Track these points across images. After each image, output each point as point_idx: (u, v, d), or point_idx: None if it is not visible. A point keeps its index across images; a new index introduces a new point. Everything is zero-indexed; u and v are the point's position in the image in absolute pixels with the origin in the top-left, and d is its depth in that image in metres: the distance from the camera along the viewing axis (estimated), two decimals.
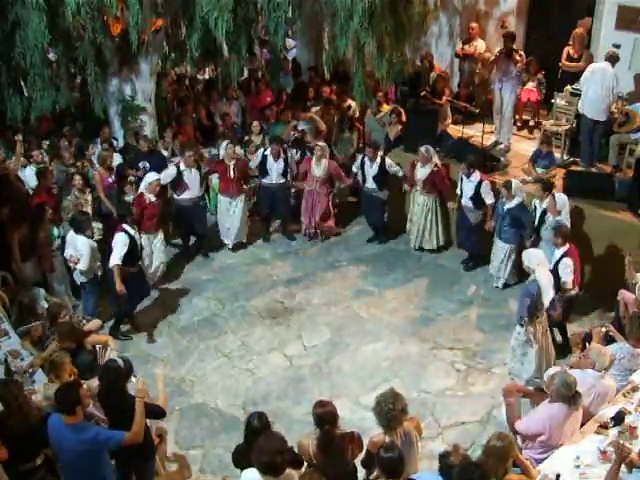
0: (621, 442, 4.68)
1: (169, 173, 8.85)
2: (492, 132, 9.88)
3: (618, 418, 5.13)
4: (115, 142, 9.81)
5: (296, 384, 7.12)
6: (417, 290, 8.71)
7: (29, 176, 8.60)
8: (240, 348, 7.64)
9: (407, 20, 9.26)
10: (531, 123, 10.38)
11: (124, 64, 9.53)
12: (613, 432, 5.03)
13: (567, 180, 8.59)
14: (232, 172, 9.05)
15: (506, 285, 8.56)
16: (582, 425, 5.19)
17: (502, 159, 9.40)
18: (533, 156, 8.95)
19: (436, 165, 8.89)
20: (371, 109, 10.46)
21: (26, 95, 8.89)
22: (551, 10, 10.65)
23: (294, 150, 9.95)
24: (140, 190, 8.30)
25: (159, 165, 8.99)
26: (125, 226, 7.44)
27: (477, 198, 8.48)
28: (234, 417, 6.64)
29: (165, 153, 9.81)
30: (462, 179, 8.62)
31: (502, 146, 9.71)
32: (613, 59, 8.57)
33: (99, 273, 7.81)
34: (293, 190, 9.88)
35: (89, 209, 8.37)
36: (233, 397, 6.96)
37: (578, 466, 4.78)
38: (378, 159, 9.16)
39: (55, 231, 7.87)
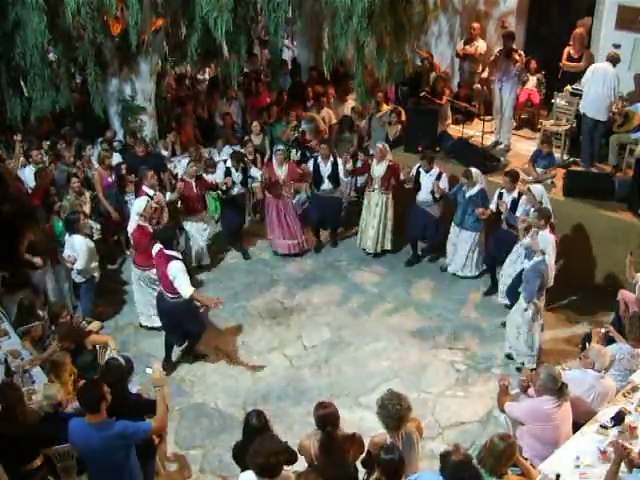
0: (620, 442, 4.69)
1: (139, 204, 7.95)
2: (492, 132, 9.89)
3: (618, 418, 5.13)
4: (117, 143, 9.81)
5: (296, 384, 7.12)
6: (417, 290, 8.71)
7: (28, 176, 8.60)
8: (240, 348, 7.64)
9: (407, 20, 9.26)
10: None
11: (124, 64, 9.54)
12: (613, 432, 5.03)
13: (567, 180, 8.60)
14: (195, 189, 8.64)
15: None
16: (582, 425, 5.19)
17: (502, 159, 9.40)
18: (533, 156, 8.96)
19: (390, 160, 8.94)
20: (371, 109, 10.47)
21: (26, 95, 8.90)
22: (551, 10, 10.67)
23: (294, 150, 9.96)
24: (135, 222, 7.59)
25: (157, 167, 8.87)
26: (174, 252, 6.84)
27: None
28: (234, 417, 6.63)
29: (165, 153, 9.82)
30: (420, 174, 8.66)
31: (502, 146, 9.71)
32: (614, 60, 8.59)
33: (96, 274, 7.79)
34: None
35: (87, 209, 8.37)
36: (233, 397, 6.95)
37: (578, 466, 4.78)
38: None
39: (59, 226, 7.85)
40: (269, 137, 10.55)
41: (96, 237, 8.36)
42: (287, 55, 13.27)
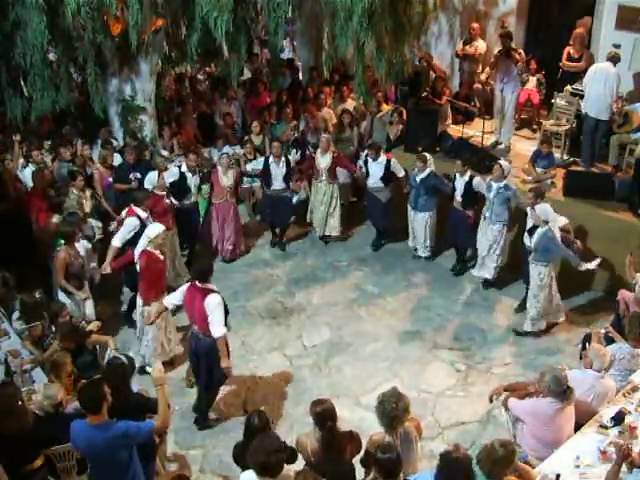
0: (622, 441, 4.69)
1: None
2: (492, 132, 9.89)
3: (618, 418, 5.13)
4: (115, 142, 9.81)
5: (296, 384, 7.12)
6: (417, 290, 8.72)
7: (28, 176, 8.60)
8: (240, 348, 7.63)
9: (407, 20, 9.26)
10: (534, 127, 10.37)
11: (124, 64, 9.53)
12: (613, 432, 5.03)
13: (567, 180, 8.59)
14: (166, 203, 8.40)
15: (502, 284, 8.56)
16: (582, 425, 5.19)
17: (502, 159, 9.38)
18: (533, 156, 8.96)
19: (334, 151, 9.29)
20: (371, 109, 10.46)
21: (26, 95, 8.89)
22: (551, 10, 10.65)
23: (294, 150, 9.96)
24: (142, 248, 6.93)
25: (145, 176, 8.63)
26: (214, 288, 6.26)
27: (388, 176, 9.03)
28: (234, 417, 6.64)
29: (165, 153, 9.82)
30: (367, 162, 9.07)
31: (502, 146, 9.71)
32: (615, 59, 8.61)
33: (96, 275, 7.79)
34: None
35: (88, 207, 8.37)
36: (233, 397, 6.96)
37: (578, 466, 4.79)
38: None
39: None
40: (269, 137, 10.55)
41: (98, 236, 8.35)
42: (285, 55, 13.28)
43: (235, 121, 11.03)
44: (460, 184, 8.44)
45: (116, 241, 7.41)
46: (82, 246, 7.43)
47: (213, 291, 6.06)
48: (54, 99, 8.80)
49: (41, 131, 9.77)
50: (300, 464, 4.83)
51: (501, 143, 9.73)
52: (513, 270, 8.47)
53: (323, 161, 9.27)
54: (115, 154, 9.31)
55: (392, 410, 4.64)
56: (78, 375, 5.79)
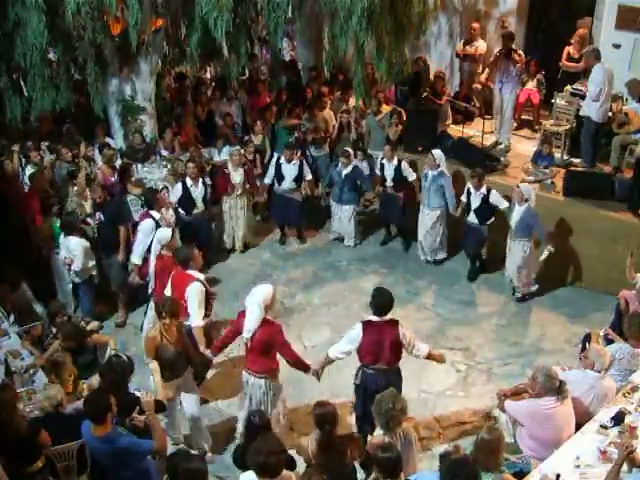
0: (624, 440, 4.68)
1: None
2: (492, 132, 9.89)
3: (618, 418, 5.13)
4: (112, 142, 9.82)
5: (296, 384, 7.09)
6: (417, 290, 8.71)
7: (28, 177, 8.62)
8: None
9: (407, 20, 9.26)
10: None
11: (124, 64, 9.52)
12: (613, 432, 5.03)
13: (567, 180, 8.59)
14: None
15: (502, 284, 8.56)
16: (582, 425, 5.19)
17: (502, 159, 9.40)
18: (534, 156, 8.96)
19: (245, 164, 9.35)
20: (371, 109, 10.46)
21: (26, 95, 8.89)
22: (551, 10, 10.66)
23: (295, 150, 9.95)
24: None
25: (116, 213, 7.97)
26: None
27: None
28: (234, 417, 6.63)
29: (165, 153, 9.82)
30: (282, 165, 9.27)
31: (502, 146, 9.71)
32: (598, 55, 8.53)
33: (95, 273, 7.80)
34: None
35: (89, 207, 8.38)
36: (233, 397, 6.95)
37: (578, 466, 4.78)
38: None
39: (57, 227, 7.84)
40: (269, 137, 10.55)
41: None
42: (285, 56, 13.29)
43: (235, 121, 11.03)
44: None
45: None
46: (80, 243, 7.44)
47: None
48: (54, 99, 8.79)
49: (41, 131, 9.78)
50: (300, 468, 4.83)
51: (501, 143, 9.73)
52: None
53: (237, 176, 9.17)
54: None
55: (388, 410, 4.65)
56: (78, 375, 5.80)
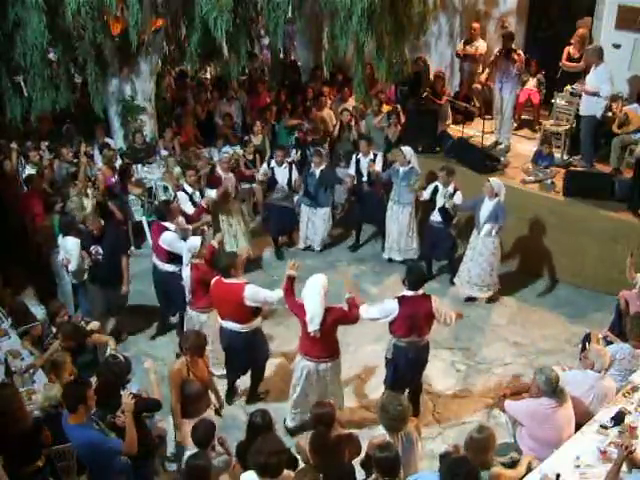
0: (624, 440, 4.68)
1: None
2: (492, 132, 9.89)
3: (618, 418, 5.13)
4: (112, 142, 9.82)
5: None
6: None
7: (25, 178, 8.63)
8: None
9: (407, 20, 9.26)
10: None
11: (124, 64, 9.53)
12: (613, 432, 5.03)
13: (567, 180, 8.58)
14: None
15: (502, 284, 8.56)
16: (582, 425, 5.19)
17: (502, 159, 9.40)
18: (534, 156, 8.96)
19: (235, 169, 9.30)
20: (371, 109, 10.47)
21: (26, 95, 8.90)
22: (551, 10, 10.66)
23: (294, 150, 9.96)
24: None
25: (115, 244, 7.52)
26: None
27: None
28: (235, 417, 6.63)
29: (165, 153, 9.82)
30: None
31: (502, 146, 9.71)
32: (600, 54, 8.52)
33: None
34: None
35: (90, 206, 8.38)
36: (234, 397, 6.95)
37: (578, 466, 4.78)
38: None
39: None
40: (270, 137, 10.56)
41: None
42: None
43: (235, 121, 11.04)
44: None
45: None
46: (76, 244, 7.42)
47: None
48: (54, 99, 8.81)
49: (41, 131, 9.78)
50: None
51: (501, 143, 9.73)
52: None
53: (229, 179, 8.91)
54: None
55: (399, 412, 4.64)
56: (78, 375, 5.79)
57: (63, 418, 4.78)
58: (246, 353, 6.48)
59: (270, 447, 4.19)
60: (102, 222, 7.45)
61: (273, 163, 9.15)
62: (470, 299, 8.36)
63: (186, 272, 6.81)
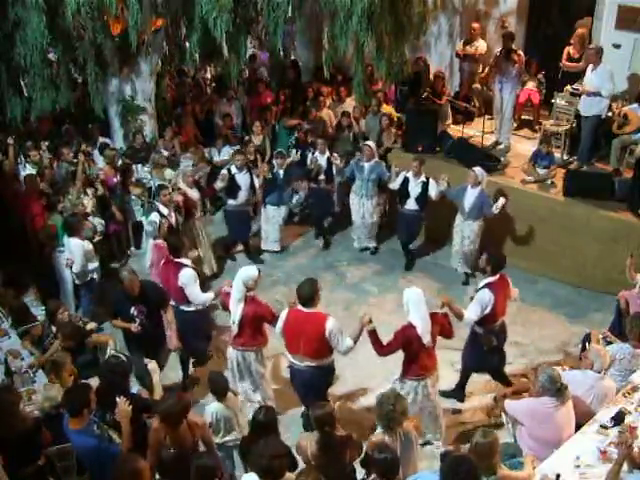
0: (624, 439, 4.68)
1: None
2: (492, 132, 9.89)
3: (618, 418, 5.13)
4: (109, 141, 9.83)
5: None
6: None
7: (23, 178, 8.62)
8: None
9: (407, 20, 9.26)
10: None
11: (124, 64, 9.54)
12: (613, 432, 5.03)
13: (567, 180, 8.59)
14: None
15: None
16: (582, 425, 5.19)
17: (502, 159, 9.40)
18: (533, 156, 8.96)
19: (199, 182, 9.15)
20: (370, 109, 10.47)
21: (26, 95, 8.90)
22: (551, 10, 10.65)
23: (294, 150, 9.96)
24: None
25: (160, 299, 6.45)
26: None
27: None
28: None
29: (165, 153, 9.82)
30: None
31: (502, 146, 9.71)
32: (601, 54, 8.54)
33: (95, 276, 7.79)
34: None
35: (90, 206, 8.38)
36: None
37: (578, 466, 4.78)
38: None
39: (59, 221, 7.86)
40: (270, 137, 10.55)
41: (100, 229, 8.40)
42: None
43: (235, 121, 11.04)
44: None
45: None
46: (80, 245, 7.44)
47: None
48: (54, 99, 8.82)
49: (41, 131, 9.78)
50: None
51: (501, 143, 9.73)
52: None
53: (194, 193, 8.70)
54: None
55: (389, 412, 4.65)
56: (78, 375, 5.80)
57: (64, 421, 4.76)
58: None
59: (272, 450, 4.20)
60: (139, 280, 6.32)
61: (234, 169, 8.88)
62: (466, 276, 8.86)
63: (237, 307, 6.04)
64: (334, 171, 9.48)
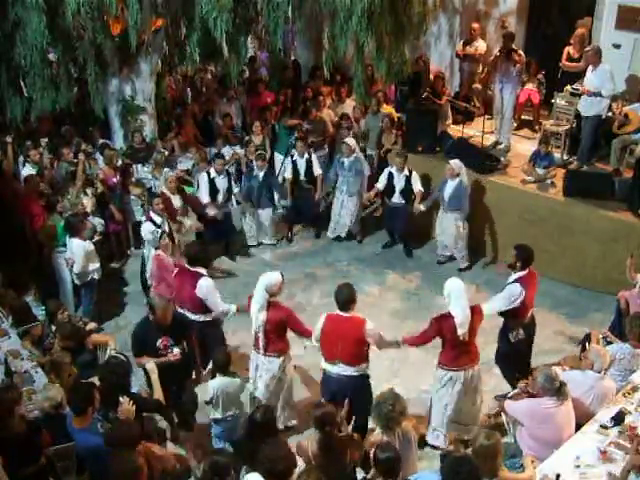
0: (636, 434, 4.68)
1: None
2: (492, 132, 9.89)
3: (618, 418, 5.13)
4: (109, 142, 9.83)
5: (296, 384, 7.10)
6: (417, 290, 8.71)
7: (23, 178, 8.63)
8: (240, 348, 7.62)
9: (407, 20, 9.26)
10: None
11: (124, 64, 9.54)
12: (613, 432, 5.03)
13: (567, 180, 8.58)
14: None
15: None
16: (582, 425, 5.19)
17: (502, 159, 9.40)
18: (533, 156, 8.96)
19: (181, 190, 9.10)
20: (370, 109, 10.47)
21: (26, 95, 8.90)
22: (551, 10, 10.66)
23: (294, 150, 9.96)
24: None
25: (183, 331, 5.98)
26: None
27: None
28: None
29: (165, 153, 9.83)
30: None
31: (502, 146, 9.71)
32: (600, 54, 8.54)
33: (96, 276, 7.80)
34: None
35: (90, 206, 8.38)
36: None
37: (578, 466, 4.78)
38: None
39: (61, 225, 7.83)
40: (270, 137, 10.55)
41: (100, 229, 8.41)
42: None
43: (235, 121, 11.03)
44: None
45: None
46: (81, 246, 7.44)
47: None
48: (54, 99, 8.82)
49: (41, 131, 9.78)
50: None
51: (501, 143, 9.73)
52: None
53: (175, 200, 8.61)
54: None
55: (388, 412, 4.65)
56: (78, 375, 5.80)
57: (68, 419, 4.76)
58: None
59: (277, 453, 4.20)
60: (169, 310, 5.80)
61: (213, 173, 8.95)
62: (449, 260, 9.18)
63: (258, 315, 5.91)
64: (314, 171, 9.56)
